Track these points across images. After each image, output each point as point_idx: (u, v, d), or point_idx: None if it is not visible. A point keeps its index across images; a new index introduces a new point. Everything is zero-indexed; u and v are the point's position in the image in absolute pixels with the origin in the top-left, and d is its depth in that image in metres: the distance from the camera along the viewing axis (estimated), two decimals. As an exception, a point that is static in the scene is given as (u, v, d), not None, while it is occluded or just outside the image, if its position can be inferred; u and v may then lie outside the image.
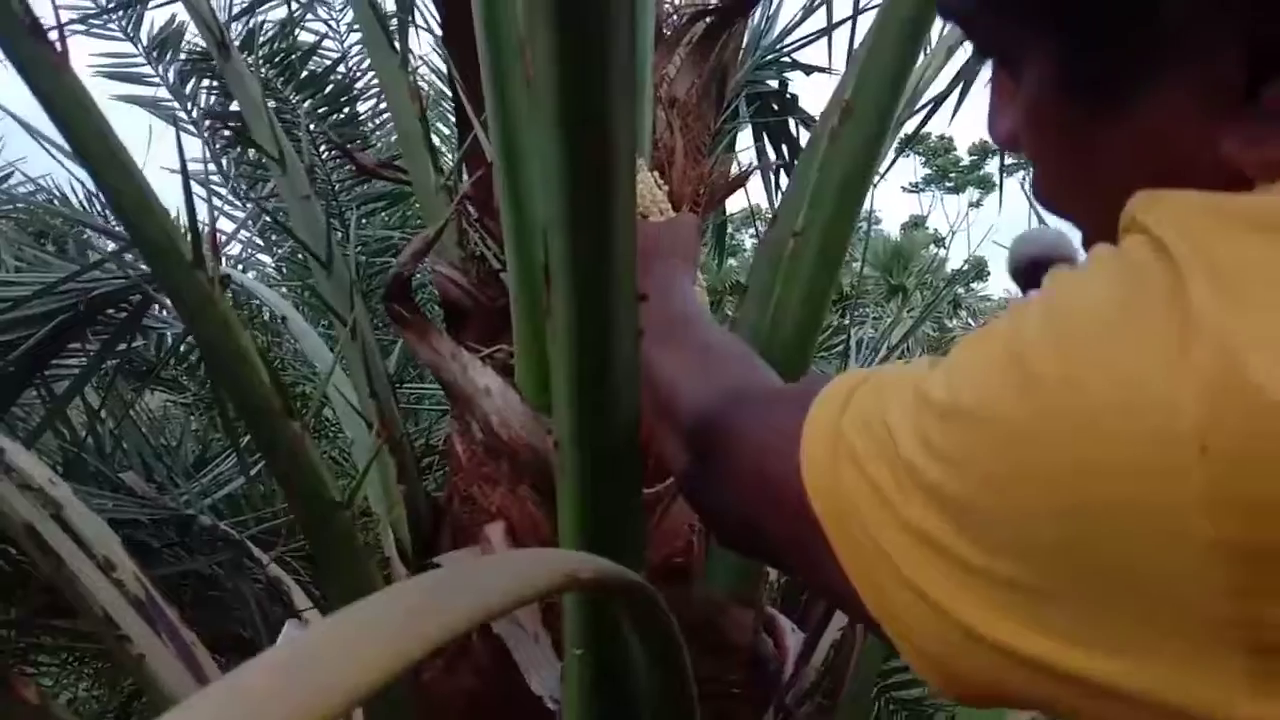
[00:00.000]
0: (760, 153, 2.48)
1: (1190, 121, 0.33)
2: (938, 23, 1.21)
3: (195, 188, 0.90)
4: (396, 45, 1.16)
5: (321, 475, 0.90)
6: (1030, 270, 0.87)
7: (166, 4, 2.61)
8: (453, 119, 1.30)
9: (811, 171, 0.97)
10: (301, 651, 0.32)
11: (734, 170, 1.63)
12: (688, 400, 0.56)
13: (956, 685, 0.36)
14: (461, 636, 0.37)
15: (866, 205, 1.06)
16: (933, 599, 0.34)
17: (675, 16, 1.35)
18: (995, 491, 0.32)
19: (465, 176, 1.20)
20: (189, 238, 0.83)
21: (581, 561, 0.47)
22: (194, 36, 3.31)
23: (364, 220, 3.57)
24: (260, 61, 3.32)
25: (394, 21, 1.35)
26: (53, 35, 0.79)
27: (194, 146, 3.83)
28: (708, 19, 1.30)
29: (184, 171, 0.80)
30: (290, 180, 1.26)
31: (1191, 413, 0.27)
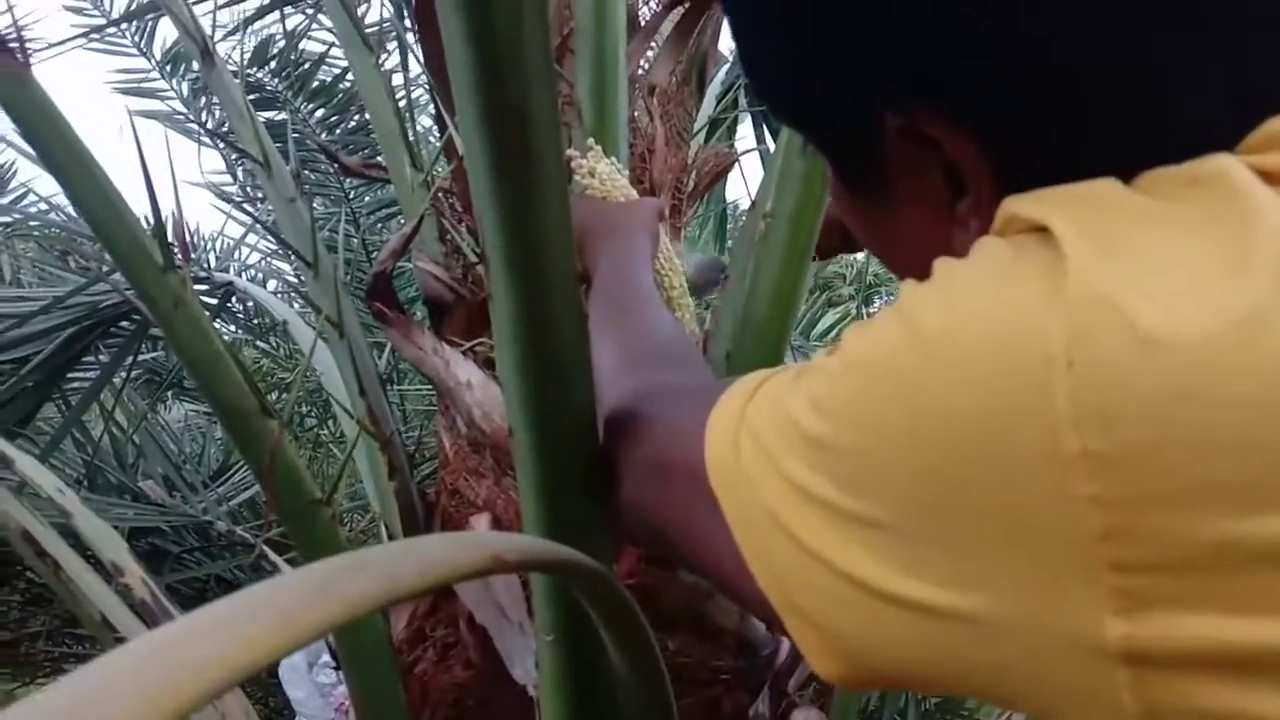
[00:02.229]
0: (760, 142, 2.47)
1: (931, 222, 0.40)
2: None
3: (169, 193, 0.91)
4: (371, 44, 1.17)
5: (300, 472, 0.91)
6: None
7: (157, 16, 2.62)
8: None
9: (779, 156, 0.96)
10: (180, 630, 0.32)
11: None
12: (611, 390, 0.57)
13: (843, 657, 0.36)
14: (367, 614, 0.37)
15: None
16: (813, 549, 0.34)
17: (652, 3, 1.35)
18: (870, 433, 0.33)
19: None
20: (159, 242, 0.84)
21: (509, 542, 0.47)
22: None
23: (380, 226, 3.60)
24: (270, 74, 3.37)
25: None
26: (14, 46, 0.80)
27: (212, 159, 3.91)
28: (684, 5, 1.29)
29: (145, 172, 0.81)
30: (275, 183, 1.27)
31: (1060, 335, 0.29)
